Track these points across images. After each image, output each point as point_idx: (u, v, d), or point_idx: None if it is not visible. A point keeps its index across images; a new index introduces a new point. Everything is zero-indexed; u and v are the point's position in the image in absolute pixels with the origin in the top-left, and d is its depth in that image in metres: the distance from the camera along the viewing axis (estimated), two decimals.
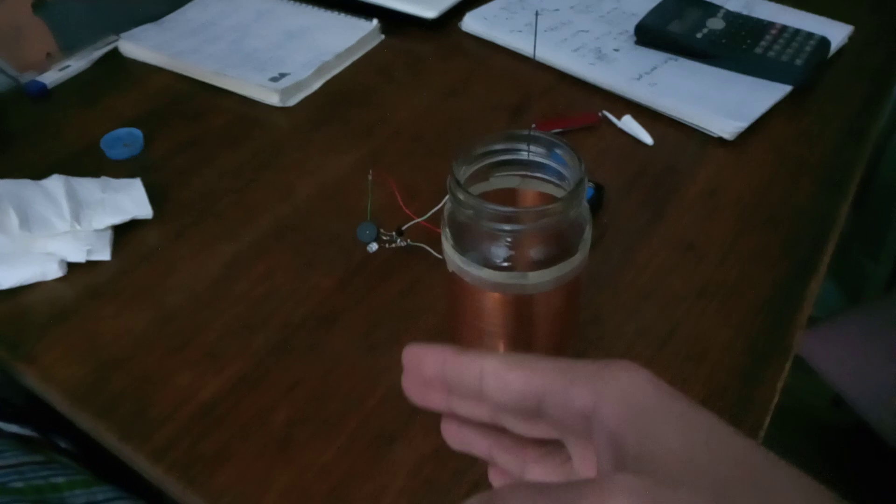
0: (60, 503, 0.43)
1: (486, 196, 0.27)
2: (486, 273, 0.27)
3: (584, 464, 0.22)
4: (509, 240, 0.27)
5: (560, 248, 0.27)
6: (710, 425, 0.19)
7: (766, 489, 0.18)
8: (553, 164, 0.29)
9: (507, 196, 0.30)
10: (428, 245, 0.47)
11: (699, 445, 0.18)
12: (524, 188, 0.30)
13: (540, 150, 0.28)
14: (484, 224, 0.27)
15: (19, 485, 0.43)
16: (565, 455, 0.22)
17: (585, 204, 0.28)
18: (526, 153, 0.29)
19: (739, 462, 0.18)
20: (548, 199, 0.29)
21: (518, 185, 0.30)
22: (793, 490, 0.18)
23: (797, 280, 0.46)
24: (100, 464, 0.47)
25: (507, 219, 0.26)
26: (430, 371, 0.22)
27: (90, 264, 0.47)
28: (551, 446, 0.23)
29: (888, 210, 1.10)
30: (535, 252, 0.27)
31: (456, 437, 0.25)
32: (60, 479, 0.44)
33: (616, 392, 0.19)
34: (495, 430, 0.23)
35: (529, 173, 0.29)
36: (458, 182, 0.27)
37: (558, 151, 0.28)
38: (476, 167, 0.29)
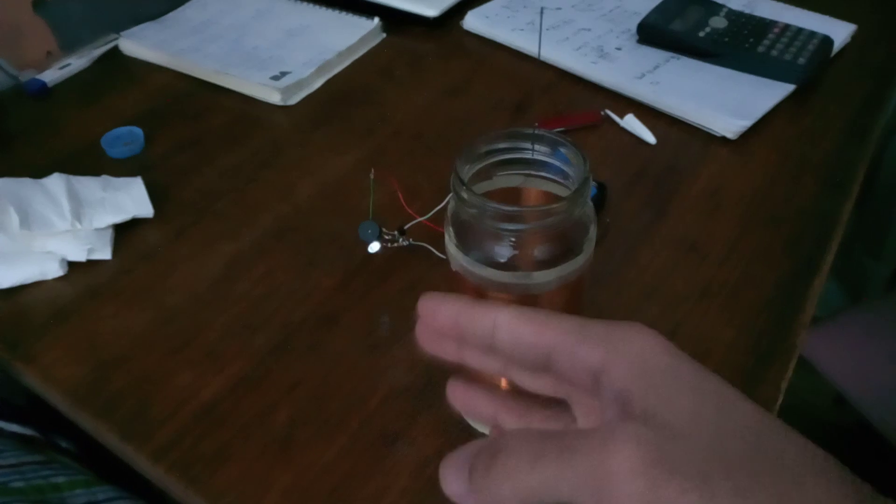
0: (61, 503, 0.42)
1: (489, 195, 0.27)
2: (490, 272, 0.27)
3: (589, 423, 0.22)
4: (513, 239, 0.27)
5: (565, 247, 0.27)
6: (720, 393, 0.19)
7: (765, 470, 0.17)
8: (557, 163, 0.29)
9: (511, 195, 0.30)
10: (430, 244, 0.46)
11: (708, 412, 0.18)
12: (528, 187, 0.30)
13: (544, 148, 0.28)
14: (488, 223, 0.26)
15: (20, 484, 0.43)
16: (570, 417, 0.22)
17: (590, 203, 0.28)
18: (530, 152, 0.29)
19: (745, 436, 0.18)
20: (552, 197, 0.29)
21: (521, 183, 0.30)
22: (789, 481, 0.18)
23: (800, 279, 0.46)
24: (101, 464, 0.47)
25: (512, 218, 0.26)
26: (443, 321, 0.22)
27: (90, 264, 0.47)
28: (557, 409, 0.23)
29: (890, 209, 1.10)
30: (539, 251, 0.27)
31: (461, 398, 0.24)
32: (61, 479, 0.44)
33: (627, 353, 0.19)
34: (501, 393, 0.23)
35: (533, 172, 0.29)
36: (461, 181, 0.27)
37: (563, 150, 0.27)
38: (479, 166, 0.29)
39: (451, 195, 0.45)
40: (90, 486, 0.44)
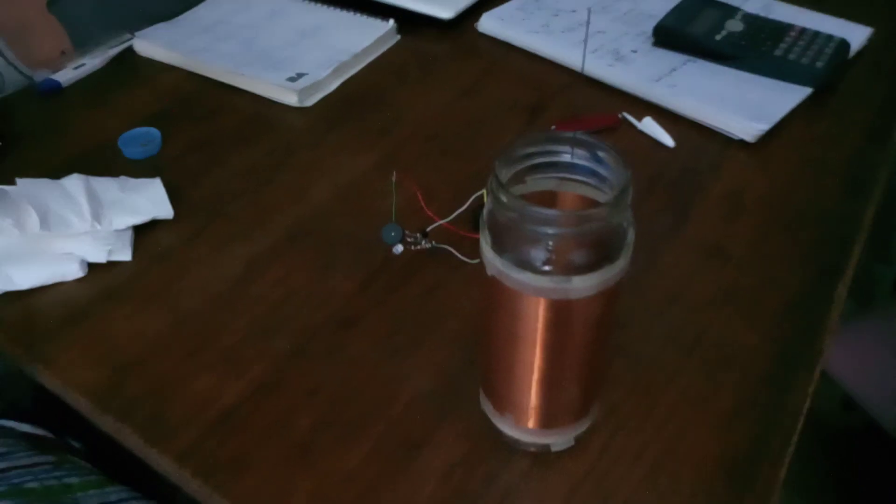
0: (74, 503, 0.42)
1: (524, 199, 0.27)
2: (528, 277, 0.27)
3: None
4: (551, 243, 0.26)
5: (604, 252, 0.27)
6: None
7: None
8: (592, 167, 0.28)
9: (546, 199, 0.29)
10: (451, 247, 0.46)
11: None
12: (562, 191, 0.29)
13: (581, 151, 0.28)
14: (527, 227, 0.26)
15: (34, 485, 0.42)
16: None
17: (629, 208, 0.28)
18: (564, 155, 0.29)
19: None
20: (587, 201, 0.29)
21: (556, 187, 0.29)
22: None
23: (824, 283, 0.46)
24: (111, 464, 0.47)
25: (553, 221, 0.25)
26: None
27: (105, 265, 0.47)
28: None
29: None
30: (578, 256, 0.27)
31: None
32: (74, 480, 0.44)
33: None
34: None
35: (568, 175, 0.29)
36: (501, 183, 0.26)
37: (601, 154, 0.27)
38: (515, 169, 0.28)
39: (475, 196, 0.45)
40: (102, 487, 0.44)
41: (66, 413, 0.47)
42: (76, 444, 0.50)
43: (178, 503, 0.51)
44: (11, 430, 0.48)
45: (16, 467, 0.43)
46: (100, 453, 0.49)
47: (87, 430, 0.49)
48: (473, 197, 0.46)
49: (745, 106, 0.58)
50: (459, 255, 0.46)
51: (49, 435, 0.49)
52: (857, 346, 0.87)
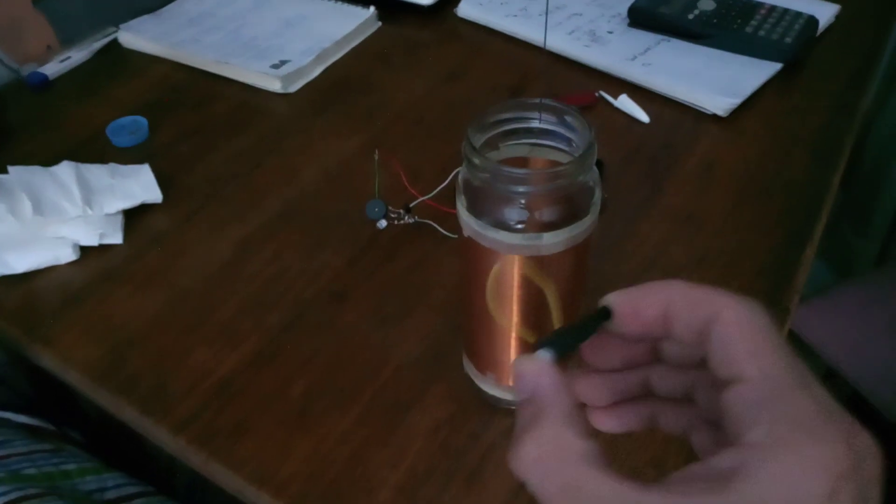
0: (72, 489, 0.43)
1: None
2: (501, 235, 0.29)
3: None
4: (523, 201, 0.28)
5: (572, 209, 0.29)
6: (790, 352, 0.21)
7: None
8: (561, 131, 0.30)
9: (518, 164, 0.31)
10: (434, 222, 0.48)
11: (792, 368, 0.20)
12: (533, 156, 0.31)
13: (550, 117, 0.29)
14: (499, 187, 0.28)
15: (32, 472, 0.43)
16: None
17: (595, 168, 0.29)
18: (535, 121, 0.30)
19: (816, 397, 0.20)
20: (557, 165, 0.31)
21: (528, 153, 0.31)
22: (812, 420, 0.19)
23: (792, 247, 0.48)
24: (109, 454, 0.48)
25: (523, 180, 0.27)
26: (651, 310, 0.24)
27: (102, 249, 0.48)
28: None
29: (875, 187, 1.12)
30: (548, 213, 0.28)
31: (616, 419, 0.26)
32: (71, 467, 0.45)
33: (734, 310, 0.21)
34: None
35: (539, 141, 0.30)
36: (473, 147, 0.28)
37: (567, 118, 0.29)
38: (487, 135, 0.30)
39: (455, 171, 0.47)
40: (99, 473, 0.45)
41: (64, 405, 0.48)
42: (74, 435, 0.51)
43: (175, 488, 0.53)
44: (9, 420, 0.49)
45: (14, 455, 0.44)
46: (97, 443, 0.50)
47: (85, 422, 0.50)
48: (454, 173, 0.48)
49: (717, 82, 0.60)
50: (441, 230, 0.47)
51: (47, 426, 0.50)
52: (838, 316, 0.90)
